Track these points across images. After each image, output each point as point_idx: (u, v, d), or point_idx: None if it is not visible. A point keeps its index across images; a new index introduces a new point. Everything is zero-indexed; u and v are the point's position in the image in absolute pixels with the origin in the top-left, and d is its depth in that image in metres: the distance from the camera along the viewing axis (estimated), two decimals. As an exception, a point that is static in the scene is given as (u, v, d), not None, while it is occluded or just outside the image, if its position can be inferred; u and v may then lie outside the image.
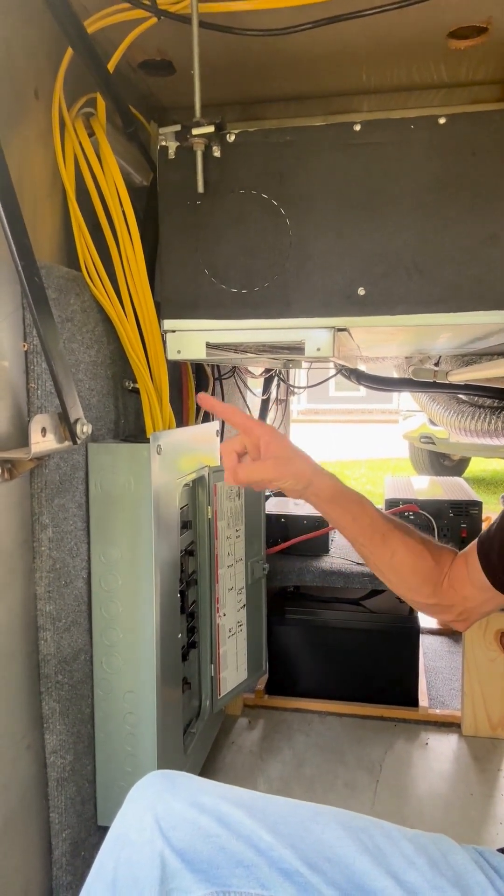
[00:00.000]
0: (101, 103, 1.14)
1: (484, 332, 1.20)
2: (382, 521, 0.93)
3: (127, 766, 1.14)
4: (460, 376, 1.97)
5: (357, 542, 0.94)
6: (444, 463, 6.08)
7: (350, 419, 13.34)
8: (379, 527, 0.92)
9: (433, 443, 5.34)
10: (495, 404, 2.30)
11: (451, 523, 1.92)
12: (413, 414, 5.94)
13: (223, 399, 1.96)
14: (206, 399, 0.93)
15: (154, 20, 1.05)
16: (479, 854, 0.80)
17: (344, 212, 1.04)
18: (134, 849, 0.73)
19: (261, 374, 2.48)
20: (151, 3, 1.03)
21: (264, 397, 2.56)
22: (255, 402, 2.53)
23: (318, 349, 1.09)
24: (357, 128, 1.03)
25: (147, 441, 1.10)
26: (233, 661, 1.58)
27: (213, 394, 1.77)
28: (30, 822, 1.00)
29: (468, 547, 0.93)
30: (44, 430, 0.89)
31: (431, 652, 2.25)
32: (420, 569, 0.93)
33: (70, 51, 1.06)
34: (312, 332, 1.09)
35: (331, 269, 1.05)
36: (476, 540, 0.93)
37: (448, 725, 1.79)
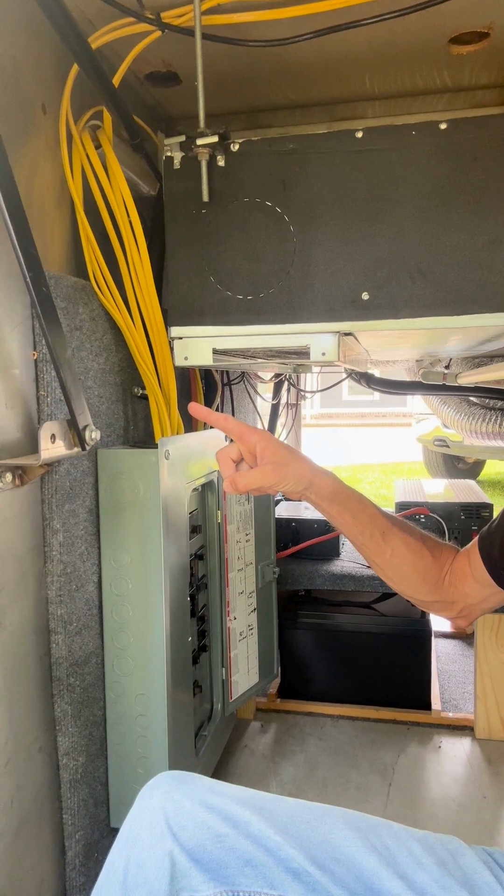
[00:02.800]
0: (108, 116, 1.16)
1: (491, 334, 1.21)
2: (382, 519, 0.93)
3: (139, 769, 1.15)
4: (470, 378, 1.97)
5: (357, 541, 0.94)
6: (459, 466, 6.04)
7: (363, 423, 13.32)
8: (379, 524, 0.92)
9: (447, 446, 5.31)
10: (505, 406, 2.30)
11: (461, 526, 1.92)
12: (426, 417, 5.91)
13: (233, 405, 1.97)
14: (197, 409, 0.92)
15: (158, 33, 1.07)
16: (488, 854, 0.80)
17: (347, 218, 1.06)
18: (144, 848, 0.74)
19: (270, 380, 2.50)
20: (155, 17, 1.05)
21: (274, 402, 2.57)
22: (264, 407, 2.54)
23: (324, 354, 1.10)
24: (359, 135, 1.04)
25: (155, 447, 1.12)
26: (244, 664, 1.59)
27: (221, 399, 1.79)
28: (43, 824, 1.02)
29: (470, 544, 0.93)
30: (53, 437, 0.91)
31: (444, 655, 2.24)
32: (419, 566, 0.93)
33: (76, 66, 1.08)
34: (317, 337, 1.10)
35: (335, 274, 1.06)
36: (477, 537, 0.93)
37: (461, 729, 1.78)
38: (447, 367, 2.33)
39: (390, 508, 2.25)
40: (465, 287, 1.03)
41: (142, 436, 1.31)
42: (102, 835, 1.15)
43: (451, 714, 1.82)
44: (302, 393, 3.10)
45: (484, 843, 0.81)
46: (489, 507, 1.92)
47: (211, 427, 1.02)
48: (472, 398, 2.58)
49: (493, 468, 6.61)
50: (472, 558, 0.92)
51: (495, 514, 1.96)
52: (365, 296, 1.06)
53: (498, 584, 0.89)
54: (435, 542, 0.96)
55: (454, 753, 1.68)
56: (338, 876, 0.74)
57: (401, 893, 0.73)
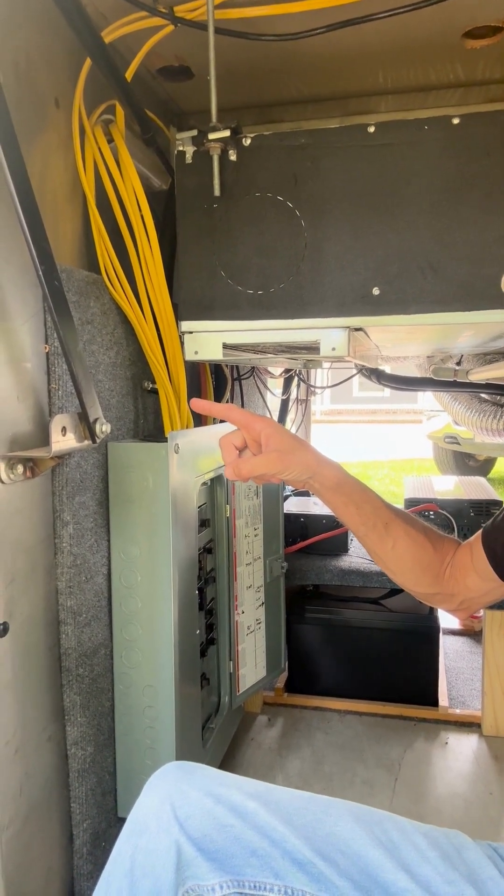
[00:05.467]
0: (120, 110, 1.16)
1: (502, 330, 1.20)
2: (385, 510, 0.93)
3: (146, 760, 1.16)
4: (481, 375, 1.97)
5: (360, 532, 0.94)
6: (470, 463, 6.02)
7: (374, 419, 13.28)
8: (382, 515, 0.92)
9: (458, 443, 5.29)
10: (517, 403, 2.29)
11: (471, 523, 1.91)
12: (437, 414, 5.89)
13: (242, 400, 1.98)
14: (199, 404, 0.91)
15: (171, 27, 1.08)
16: (492, 849, 0.80)
17: (359, 212, 1.05)
18: (151, 837, 0.75)
19: (280, 375, 2.50)
20: (168, 12, 1.06)
21: (284, 397, 2.57)
22: (274, 403, 2.54)
23: (334, 349, 1.10)
24: (371, 129, 1.04)
25: (165, 441, 1.12)
26: (251, 658, 1.60)
27: (231, 394, 1.79)
28: (51, 812, 1.03)
29: (473, 537, 0.93)
30: (64, 430, 0.92)
31: (452, 652, 2.24)
32: (421, 558, 0.93)
33: (89, 60, 1.08)
34: (328, 332, 1.10)
35: (345, 269, 1.06)
36: (481, 530, 0.93)
37: (468, 725, 1.78)
38: (458, 363, 2.32)
39: (399, 504, 2.25)
40: (476, 283, 1.03)
41: (151, 430, 1.32)
42: (110, 824, 1.16)
43: (458, 711, 1.82)
44: (312, 389, 3.09)
45: (489, 839, 0.81)
46: (499, 503, 1.92)
47: (221, 421, 1.02)
48: (483, 395, 2.57)
49: (503, 466, 6.57)
50: (474, 552, 0.91)
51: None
52: (375, 291, 1.06)
53: (501, 578, 0.89)
54: (437, 534, 0.96)
55: (461, 750, 1.68)
56: (342, 868, 0.74)
57: (405, 886, 0.73)
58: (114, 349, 1.15)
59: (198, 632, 1.28)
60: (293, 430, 3.04)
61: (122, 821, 1.11)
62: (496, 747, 1.69)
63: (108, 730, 1.16)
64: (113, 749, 1.17)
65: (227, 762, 1.58)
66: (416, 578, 0.95)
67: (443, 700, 1.84)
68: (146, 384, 1.26)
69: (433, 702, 1.83)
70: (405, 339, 1.43)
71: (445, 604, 0.97)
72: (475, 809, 1.46)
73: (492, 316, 1.03)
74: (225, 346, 1.14)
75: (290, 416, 2.82)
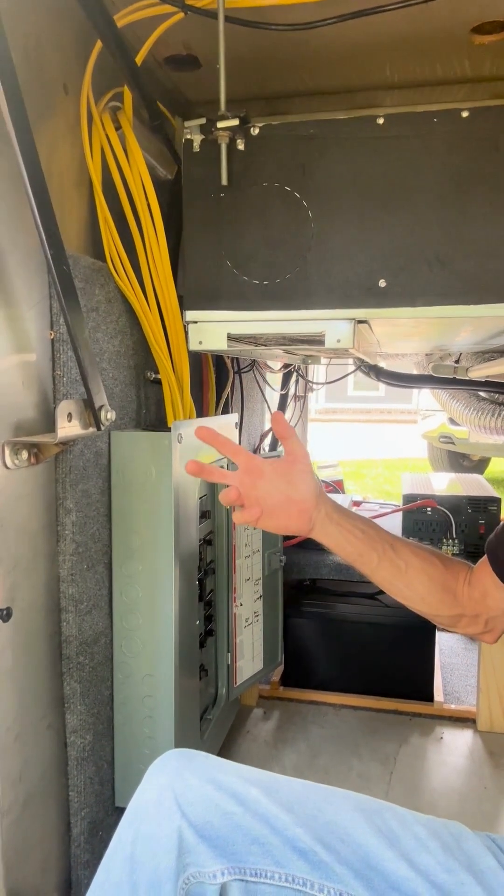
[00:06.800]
0: (128, 97, 1.16)
1: (504, 326, 1.21)
2: (387, 533, 0.93)
3: (145, 749, 1.16)
4: (480, 372, 1.97)
5: (370, 560, 0.92)
6: (464, 463, 6.05)
7: (368, 419, 13.30)
8: (386, 537, 0.92)
9: (453, 442, 5.32)
10: (516, 402, 2.30)
11: (468, 519, 1.92)
12: (432, 413, 5.92)
13: (242, 393, 1.97)
14: (205, 432, 0.90)
15: (181, 15, 1.07)
16: (491, 840, 0.81)
17: (366, 204, 1.05)
18: (152, 823, 0.75)
19: (279, 370, 2.50)
20: (178, -1, 1.05)
21: (283, 392, 2.57)
22: (273, 398, 2.54)
23: (339, 340, 1.10)
24: (380, 121, 1.04)
25: (168, 430, 1.12)
26: (249, 650, 1.60)
27: (232, 387, 1.79)
28: (49, 800, 1.03)
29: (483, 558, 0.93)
30: (69, 416, 0.91)
31: (448, 649, 2.25)
32: (435, 576, 0.92)
33: (98, 45, 1.08)
34: (333, 324, 1.10)
35: (352, 260, 1.06)
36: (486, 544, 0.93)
37: (463, 720, 1.79)
38: (457, 361, 2.33)
39: (396, 502, 2.26)
40: (483, 277, 1.03)
41: (153, 420, 1.31)
42: (108, 813, 1.16)
43: (453, 706, 1.83)
44: (310, 384, 3.09)
45: (485, 832, 0.82)
46: (497, 500, 1.92)
47: (225, 412, 1.02)
48: (481, 393, 2.57)
49: (497, 466, 6.60)
50: (485, 568, 0.91)
51: (503, 508, 1.96)
52: (382, 283, 1.06)
53: None
54: (444, 555, 0.96)
55: (456, 745, 1.69)
56: (343, 856, 0.75)
57: (405, 875, 0.74)
58: (118, 338, 1.15)
59: (197, 622, 1.28)
60: (293, 424, 3.03)
61: (120, 810, 1.11)
62: (491, 742, 1.70)
63: (107, 719, 1.15)
64: (111, 738, 1.17)
65: (223, 754, 1.57)
66: (437, 600, 0.93)
67: (438, 696, 1.85)
68: (149, 374, 1.26)
69: (429, 697, 1.84)
70: (408, 333, 1.43)
71: (472, 627, 0.95)
72: (470, 803, 1.47)
73: (498, 310, 1.03)
74: (230, 337, 1.14)
75: (288, 413, 2.82)
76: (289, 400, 2.68)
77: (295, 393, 2.88)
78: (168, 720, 1.15)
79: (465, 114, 1.02)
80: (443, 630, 2.36)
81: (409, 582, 0.93)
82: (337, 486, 2.74)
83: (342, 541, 0.92)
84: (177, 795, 0.76)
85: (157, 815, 0.75)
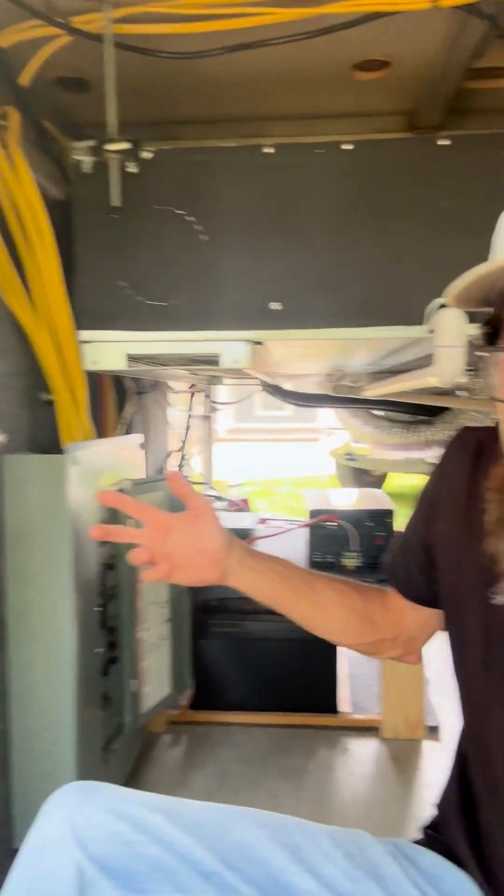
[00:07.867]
0: (15, 116, 1.14)
1: (393, 346, 1.27)
2: (304, 570, 0.93)
3: (46, 785, 1.11)
4: (374, 391, 2.05)
5: (287, 600, 0.91)
6: (366, 479, 6.27)
7: (276, 438, 13.50)
8: (303, 575, 0.92)
9: (354, 459, 5.52)
10: (408, 419, 2.41)
11: (367, 532, 1.98)
12: (334, 432, 6.11)
13: (146, 413, 1.96)
14: (108, 497, 0.86)
15: (68, 38, 1.07)
16: (394, 846, 0.83)
17: (257, 229, 1.09)
18: (50, 860, 0.72)
19: (185, 391, 2.50)
20: (65, 22, 1.05)
21: (189, 413, 2.58)
22: (177, 418, 2.54)
23: (235, 361, 1.12)
24: (266, 150, 1.08)
25: (64, 453, 1.10)
26: (156, 675, 1.57)
27: (134, 408, 1.77)
28: None
29: None
30: (-45, 440, 0.88)
31: (353, 659, 2.30)
32: (353, 607, 0.92)
33: (-18, 63, 1.06)
34: (228, 345, 1.12)
35: (246, 284, 1.09)
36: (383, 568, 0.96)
37: (368, 729, 1.83)
38: (354, 382, 2.41)
39: (304, 517, 2.30)
40: (369, 300, 1.08)
41: (50, 443, 1.28)
42: (5, 856, 1.10)
43: (359, 716, 1.87)
44: (213, 405, 3.12)
45: (392, 836, 0.84)
46: (390, 512, 2.00)
47: (128, 432, 1.01)
48: (375, 411, 2.68)
49: (396, 480, 6.89)
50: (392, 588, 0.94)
51: (394, 520, 2.04)
52: (274, 305, 1.09)
53: (409, 598, 0.91)
54: (356, 582, 0.96)
55: (361, 753, 1.72)
56: (248, 875, 0.74)
57: (309, 888, 0.74)
58: (8, 358, 1.12)
59: (100, 650, 1.25)
60: (195, 448, 3.04)
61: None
62: (395, 749, 1.75)
63: (2, 756, 1.10)
64: (7, 777, 1.11)
65: (130, 784, 1.54)
66: (356, 630, 0.93)
67: (347, 706, 1.88)
68: (42, 395, 1.23)
69: (333, 709, 1.87)
70: (305, 353, 1.48)
71: (393, 650, 0.95)
72: (377, 810, 1.50)
73: (384, 332, 1.09)
74: (129, 358, 1.13)
75: (191, 433, 2.82)
76: (189, 420, 2.68)
77: (200, 414, 2.89)
78: (69, 754, 1.11)
79: (347, 146, 1.07)
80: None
81: (328, 616, 0.93)
82: (243, 505, 2.76)
83: (258, 584, 0.91)
84: (75, 829, 0.73)
85: (54, 851, 0.72)
